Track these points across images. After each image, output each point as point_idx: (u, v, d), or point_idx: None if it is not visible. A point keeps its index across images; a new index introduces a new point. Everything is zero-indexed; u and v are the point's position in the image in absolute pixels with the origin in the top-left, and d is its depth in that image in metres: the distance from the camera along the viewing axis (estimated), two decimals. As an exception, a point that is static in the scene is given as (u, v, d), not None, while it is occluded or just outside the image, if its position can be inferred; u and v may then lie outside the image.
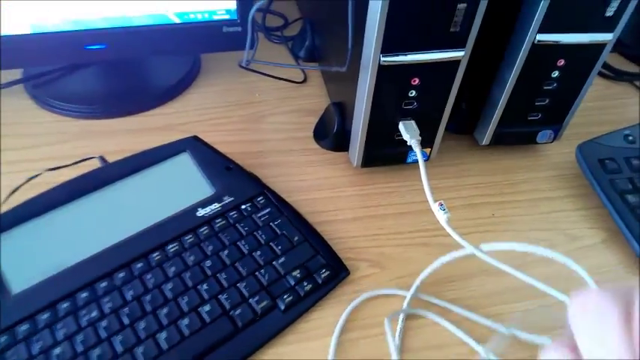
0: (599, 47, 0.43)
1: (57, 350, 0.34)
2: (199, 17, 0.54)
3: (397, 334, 0.38)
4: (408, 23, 0.38)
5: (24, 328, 0.36)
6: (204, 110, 0.57)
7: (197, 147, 0.48)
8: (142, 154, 0.47)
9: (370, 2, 0.38)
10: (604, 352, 0.18)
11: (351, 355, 0.37)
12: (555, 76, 0.44)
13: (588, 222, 0.47)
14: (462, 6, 0.38)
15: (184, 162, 0.47)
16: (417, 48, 0.40)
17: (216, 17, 0.54)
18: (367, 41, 0.40)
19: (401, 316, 0.39)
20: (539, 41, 0.42)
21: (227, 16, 0.55)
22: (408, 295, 0.40)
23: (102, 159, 0.47)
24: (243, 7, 0.54)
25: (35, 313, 0.36)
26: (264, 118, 0.57)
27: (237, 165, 0.48)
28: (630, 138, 0.50)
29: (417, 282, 0.40)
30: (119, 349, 0.35)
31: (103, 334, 0.35)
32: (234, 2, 0.54)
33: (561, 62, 0.43)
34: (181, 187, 0.45)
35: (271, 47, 0.66)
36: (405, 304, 0.40)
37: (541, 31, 0.41)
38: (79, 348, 0.35)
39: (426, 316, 0.39)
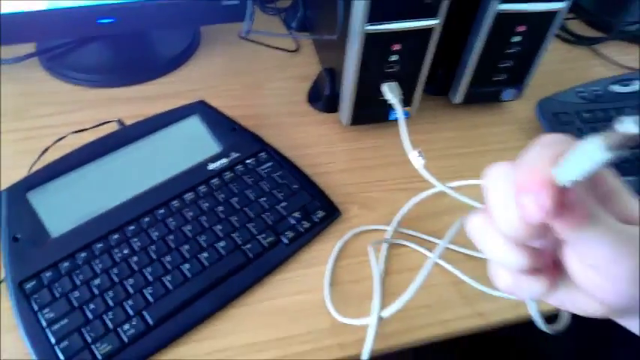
0: (554, 14, 0.49)
1: (96, 281, 0.40)
2: (200, -8, 0.58)
3: (381, 259, 0.44)
4: (389, -5, 0.44)
5: (66, 264, 0.41)
6: (207, 78, 0.62)
7: (204, 110, 0.53)
8: (156, 117, 0.52)
9: (355, -23, 0.43)
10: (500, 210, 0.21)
11: (342, 278, 0.44)
12: (516, 40, 0.50)
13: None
14: (434, -20, 0.43)
15: (194, 124, 0.52)
16: (398, 17, 0.45)
17: (215, -8, 0.58)
18: (355, 12, 0.45)
19: (383, 245, 0.45)
20: (501, 10, 0.47)
21: (225, -9, 0.59)
22: (390, 228, 0.46)
23: (120, 122, 0.52)
24: (241, -19, 0.58)
25: (74, 252, 0.42)
26: (262, 85, 0.62)
27: (241, 126, 0.53)
28: (582, 94, 0.56)
29: (398, 217, 0.46)
30: (150, 278, 0.41)
31: (135, 267, 0.41)
32: (232, -24, 0.58)
33: (521, 28, 0.49)
34: (192, 145, 0.50)
35: (266, 19, 0.70)
36: (387, 235, 0.46)
37: (503, 1, 0.47)
38: (115, 279, 0.41)
39: (405, 245, 0.46)
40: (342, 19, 0.46)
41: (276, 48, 0.66)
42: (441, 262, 0.44)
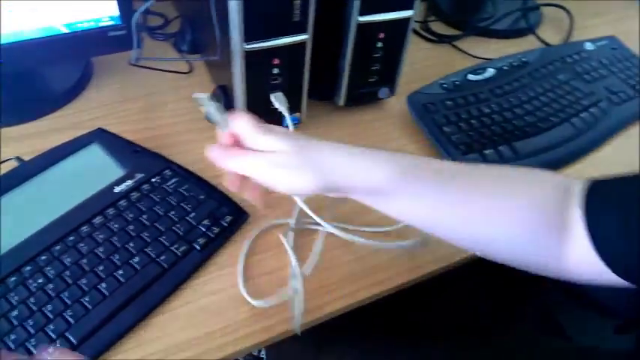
0: (407, 20, 0.58)
1: (14, 313, 0.42)
2: (86, 25, 0.61)
3: (290, 243, 0.51)
4: (261, 17, 0.50)
5: None
6: (104, 107, 0.65)
7: (104, 137, 0.56)
8: (55, 149, 0.54)
9: (229, 3, 0.49)
10: None
11: (256, 271, 0.49)
12: (379, 46, 0.59)
13: (422, 151, 0.63)
14: (297, 1, 0.50)
15: (95, 151, 0.55)
16: (272, 35, 0.52)
17: (101, 24, 0.62)
18: (232, 33, 0.51)
19: (289, 233, 0.52)
20: (361, 21, 0.56)
21: (112, 22, 0.62)
22: (293, 219, 0.53)
23: (18, 159, 0.54)
24: (125, 13, 0.62)
25: None
26: (159, 107, 0.66)
27: (143, 147, 0.57)
28: (444, 85, 0.67)
29: (297, 209, 0.53)
30: (68, 301, 0.44)
31: (52, 294, 0.44)
32: (117, 9, 0.61)
33: (381, 35, 0.58)
34: (96, 172, 0.53)
35: (157, 45, 0.75)
36: (291, 224, 0.52)
37: (362, 13, 0.55)
38: (34, 307, 0.43)
39: (308, 229, 0.53)
40: (221, 41, 0.52)
41: (170, 71, 0.71)
42: (337, 232, 0.51)
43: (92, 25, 0.61)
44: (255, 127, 0.39)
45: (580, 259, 0.38)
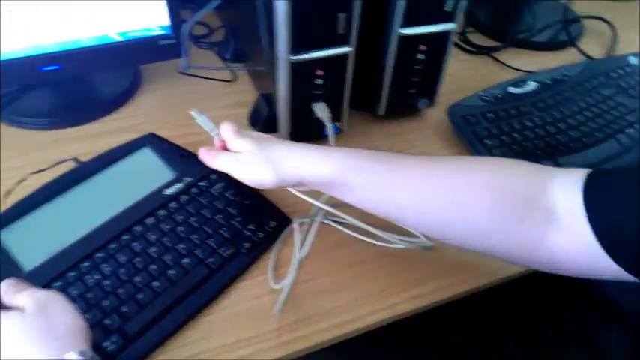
0: (448, 33, 0.60)
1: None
2: (138, 34, 0.65)
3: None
4: (307, 29, 0.53)
5: None
6: (152, 112, 0.68)
7: (155, 142, 0.60)
8: (109, 152, 0.58)
9: (276, 16, 0.51)
10: None
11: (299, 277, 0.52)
12: (420, 58, 0.61)
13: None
14: (342, 15, 0.53)
15: (146, 155, 0.59)
16: (317, 47, 0.55)
17: (152, 33, 0.66)
18: (279, 45, 0.54)
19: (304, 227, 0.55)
20: (403, 33, 0.58)
21: (162, 32, 0.66)
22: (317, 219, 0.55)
23: (76, 160, 0.58)
24: (175, 23, 0.66)
25: (49, 282, 0.47)
26: (206, 112, 0.69)
27: (190, 152, 0.60)
28: (485, 98, 0.68)
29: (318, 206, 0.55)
30: (123, 297, 0.47)
31: (109, 289, 0.47)
32: (168, 19, 0.65)
33: (422, 47, 0.60)
34: (147, 175, 0.57)
35: (201, 53, 0.78)
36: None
37: (404, 26, 0.57)
38: (92, 301, 0.46)
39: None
40: (268, 52, 0.55)
41: (214, 79, 0.74)
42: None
43: (144, 34, 0.65)
44: (234, 133, 0.49)
45: (572, 246, 0.38)
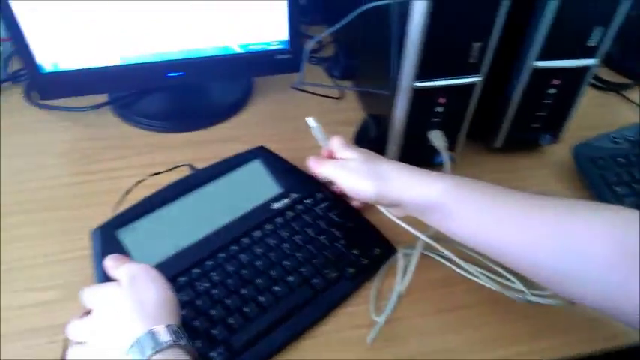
0: (586, 69, 0.56)
1: (182, 312, 0.46)
2: (258, 48, 0.67)
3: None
4: (438, 56, 0.51)
5: None
6: (261, 124, 0.70)
7: (265, 155, 0.61)
8: (223, 162, 0.59)
9: (408, 41, 0.51)
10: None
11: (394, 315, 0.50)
12: (552, 92, 0.57)
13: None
14: (477, 44, 0.51)
15: (256, 167, 0.60)
16: (444, 74, 0.53)
17: (271, 47, 0.68)
18: (405, 71, 0.53)
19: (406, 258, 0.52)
20: (537, 66, 0.55)
21: (280, 46, 0.68)
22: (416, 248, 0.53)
23: (190, 166, 0.60)
24: (293, 39, 0.67)
25: None
26: (319, 124, 0.70)
27: (297, 168, 0.61)
28: (615, 140, 0.63)
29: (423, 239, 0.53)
30: (231, 307, 0.47)
31: (216, 298, 0.48)
32: (287, 34, 0.67)
33: (556, 81, 0.57)
34: (256, 187, 0.58)
35: (310, 68, 0.80)
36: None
37: (539, 58, 0.54)
38: (200, 308, 0.47)
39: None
40: (388, 75, 0.54)
41: (322, 95, 0.75)
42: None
43: (263, 47, 0.67)
44: (343, 144, 0.53)
45: None
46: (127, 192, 0.57)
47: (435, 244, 0.52)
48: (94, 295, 0.41)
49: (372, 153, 0.52)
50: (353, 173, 0.49)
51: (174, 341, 0.36)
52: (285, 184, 0.58)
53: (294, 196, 0.57)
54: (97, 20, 0.59)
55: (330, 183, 0.55)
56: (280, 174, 0.59)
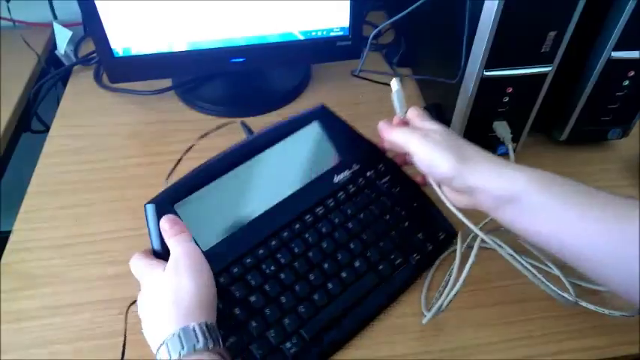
0: (664, 61, 0.54)
1: (252, 297, 0.46)
2: (319, 34, 0.68)
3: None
4: (509, 45, 0.51)
5: (221, 280, 0.46)
6: (320, 110, 0.71)
7: (325, 115, 0.56)
8: (281, 124, 0.54)
9: (481, 29, 0.50)
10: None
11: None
12: (626, 84, 0.56)
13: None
14: (552, 33, 0.50)
15: (316, 131, 0.55)
16: (514, 64, 0.52)
17: (332, 34, 0.68)
18: (474, 59, 0.52)
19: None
20: (613, 57, 0.53)
21: (341, 33, 0.68)
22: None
23: (243, 124, 0.59)
24: (355, 26, 0.67)
25: (227, 266, 0.46)
26: (369, 116, 0.70)
27: (358, 134, 0.57)
28: (690, 135, 0.60)
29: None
30: (302, 295, 0.46)
31: (286, 283, 0.47)
32: (348, 20, 0.67)
33: (631, 73, 0.55)
34: (316, 154, 0.54)
35: (368, 54, 0.79)
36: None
37: (616, 49, 0.53)
38: (270, 294, 0.46)
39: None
40: (464, 65, 0.54)
41: (379, 82, 0.75)
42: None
43: (324, 34, 0.68)
44: (422, 115, 0.49)
45: None
46: (179, 161, 0.59)
47: (492, 237, 0.51)
48: (141, 271, 0.43)
49: (454, 131, 0.48)
50: (435, 144, 0.44)
51: (203, 344, 0.37)
52: (346, 151, 0.55)
53: (355, 167, 0.54)
54: (166, 6, 0.61)
55: (393, 154, 0.52)
56: (340, 139, 0.56)
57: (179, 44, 0.65)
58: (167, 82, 0.73)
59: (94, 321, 0.48)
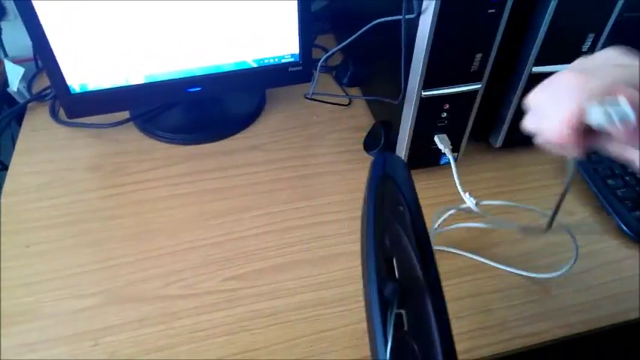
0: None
1: None
2: (271, 61, 0.72)
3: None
4: (442, 67, 0.57)
5: None
6: (276, 133, 0.75)
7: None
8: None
9: (417, 54, 0.56)
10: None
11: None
12: (548, 95, 0.63)
13: (579, 201, 0.65)
14: (478, 55, 0.56)
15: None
16: (448, 83, 0.59)
17: (284, 60, 0.72)
18: (412, 81, 0.58)
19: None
20: (534, 72, 0.60)
21: (292, 59, 0.73)
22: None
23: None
24: (304, 52, 0.72)
25: None
26: (323, 135, 0.75)
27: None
28: (608, 136, 0.68)
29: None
30: None
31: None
32: (298, 48, 0.72)
33: (551, 86, 0.62)
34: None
35: (318, 76, 0.84)
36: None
37: (536, 64, 0.60)
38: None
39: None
40: (404, 86, 0.59)
41: (331, 103, 0.80)
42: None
43: (276, 61, 0.72)
44: None
45: None
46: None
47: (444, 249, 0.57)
48: None
49: None
50: None
51: None
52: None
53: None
54: (121, 41, 0.64)
55: None
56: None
57: (136, 77, 0.68)
58: (125, 114, 0.76)
59: (72, 353, 0.50)
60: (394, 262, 0.36)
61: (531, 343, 0.52)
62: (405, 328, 0.33)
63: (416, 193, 0.40)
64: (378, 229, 0.38)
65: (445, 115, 0.62)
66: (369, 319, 0.34)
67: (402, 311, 0.34)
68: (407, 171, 0.42)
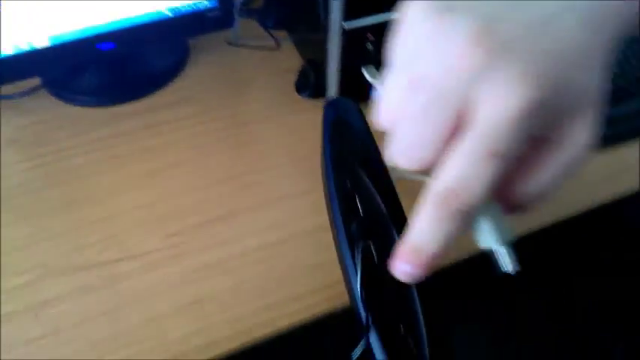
0: None
1: None
2: (188, 9, 0.68)
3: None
4: (360, -4, 0.56)
5: None
6: (204, 83, 0.73)
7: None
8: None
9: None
10: None
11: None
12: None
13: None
14: (395, -21, 0.55)
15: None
16: (369, 13, 0.58)
17: (201, 6, 0.69)
18: (333, 14, 0.57)
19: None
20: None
21: (209, 4, 0.69)
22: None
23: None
24: (221, -5, 0.69)
25: None
26: (253, 82, 0.73)
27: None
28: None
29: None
30: None
31: None
32: (214, -8, 0.68)
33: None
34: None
35: (242, 21, 0.81)
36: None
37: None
38: None
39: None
40: (318, 20, 0.58)
41: (258, 48, 0.77)
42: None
43: (192, 7, 0.69)
44: None
45: None
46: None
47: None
48: None
49: None
50: None
51: None
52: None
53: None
54: (20, 1, 0.58)
55: None
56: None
57: (40, 40, 0.63)
58: (36, 81, 0.71)
59: (15, 331, 0.49)
60: (357, 200, 0.37)
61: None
62: (375, 258, 0.33)
63: (371, 132, 0.40)
64: (337, 173, 0.38)
65: (370, 46, 0.61)
66: (340, 254, 0.35)
67: (370, 242, 0.34)
68: (359, 112, 0.42)
